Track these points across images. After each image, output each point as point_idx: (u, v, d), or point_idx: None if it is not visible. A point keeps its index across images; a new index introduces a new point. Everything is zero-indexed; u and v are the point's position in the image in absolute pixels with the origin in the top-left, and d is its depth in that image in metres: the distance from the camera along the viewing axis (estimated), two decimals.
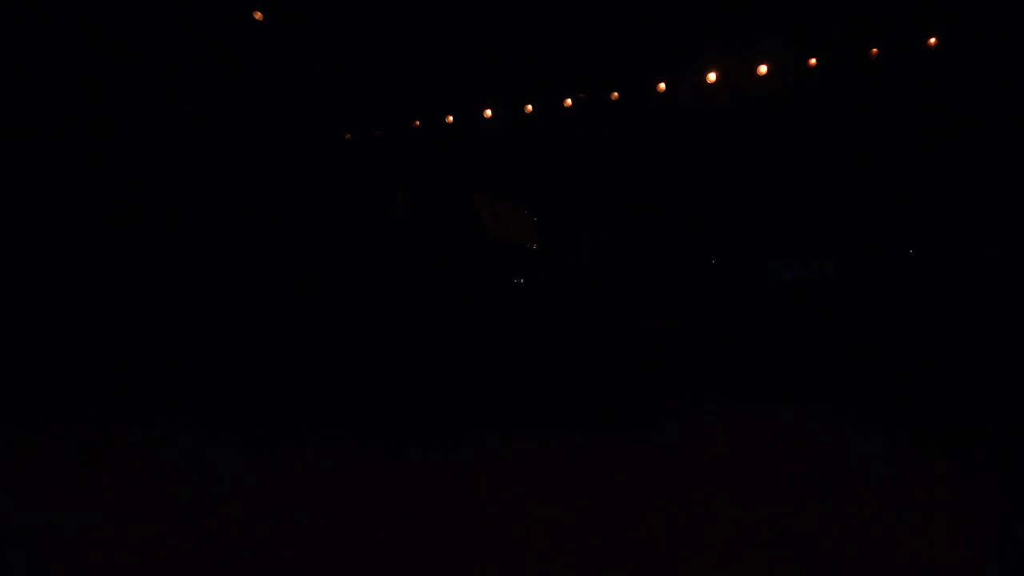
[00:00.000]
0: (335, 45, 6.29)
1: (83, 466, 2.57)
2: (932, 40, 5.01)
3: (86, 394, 4.69)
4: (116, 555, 1.55)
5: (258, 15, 5.74)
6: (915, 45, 5.10)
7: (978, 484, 2.36)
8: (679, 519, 1.85)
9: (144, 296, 5.97)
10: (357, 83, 6.91)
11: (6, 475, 2.40)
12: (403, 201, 4.74)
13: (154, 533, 1.72)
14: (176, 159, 6.75)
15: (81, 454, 2.76)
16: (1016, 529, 1.80)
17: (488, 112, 6.75)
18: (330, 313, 4.73)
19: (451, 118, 6.93)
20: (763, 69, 5.71)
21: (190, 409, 4.06)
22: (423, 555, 1.57)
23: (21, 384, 4.89)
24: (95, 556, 1.54)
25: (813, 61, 5.54)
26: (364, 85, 6.92)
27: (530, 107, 6.62)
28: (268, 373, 4.63)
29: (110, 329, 5.56)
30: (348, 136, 7.33)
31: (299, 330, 4.71)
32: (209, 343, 5.09)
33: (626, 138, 6.15)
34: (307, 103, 7.18)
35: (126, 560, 1.53)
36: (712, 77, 5.87)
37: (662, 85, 6.12)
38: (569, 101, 6.52)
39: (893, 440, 3.34)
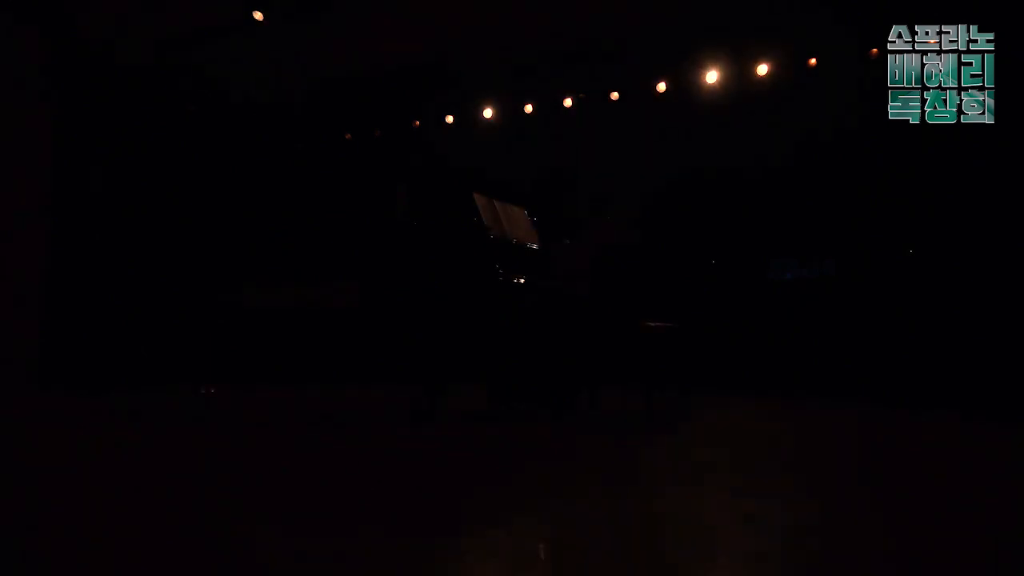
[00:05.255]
0: (335, 45, 6.29)
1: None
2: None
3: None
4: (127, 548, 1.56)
5: (258, 15, 5.74)
6: None
7: (977, 481, 2.37)
8: (679, 517, 1.85)
9: (147, 292, 5.99)
10: (357, 83, 6.91)
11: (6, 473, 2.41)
12: (403, 201, 4.74)
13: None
14: (177, 159, 6.76)
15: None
16: (1012, 526, 1.81)
17: (488, 112, 6.75)
18: (329, 312, 4.72)
19: (451, 118, 6.94)
20: (763, 69, 5.71)
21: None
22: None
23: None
24: (97, 553, 1.55)
25: (813, 61, 5.55)
26: (364, 85, 6.92)
27: (530, 107, 6.63)
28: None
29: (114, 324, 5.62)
30: (348, 136, 7.33)
31: (298, 329, 4.70)
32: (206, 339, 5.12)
33: (626, 138, 6.14)
34: (307, 103, 7.19)
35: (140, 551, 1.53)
36: (712, 77, 5.87)
37: (662, 85, 6.12)
38: (569, 101, 6.52)
39: (893, 439, 3.35)
